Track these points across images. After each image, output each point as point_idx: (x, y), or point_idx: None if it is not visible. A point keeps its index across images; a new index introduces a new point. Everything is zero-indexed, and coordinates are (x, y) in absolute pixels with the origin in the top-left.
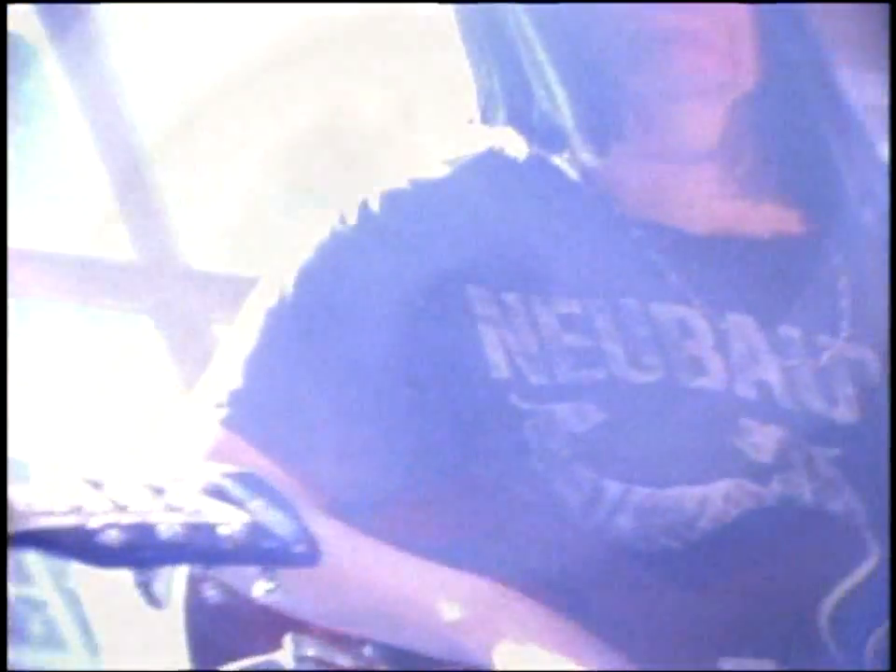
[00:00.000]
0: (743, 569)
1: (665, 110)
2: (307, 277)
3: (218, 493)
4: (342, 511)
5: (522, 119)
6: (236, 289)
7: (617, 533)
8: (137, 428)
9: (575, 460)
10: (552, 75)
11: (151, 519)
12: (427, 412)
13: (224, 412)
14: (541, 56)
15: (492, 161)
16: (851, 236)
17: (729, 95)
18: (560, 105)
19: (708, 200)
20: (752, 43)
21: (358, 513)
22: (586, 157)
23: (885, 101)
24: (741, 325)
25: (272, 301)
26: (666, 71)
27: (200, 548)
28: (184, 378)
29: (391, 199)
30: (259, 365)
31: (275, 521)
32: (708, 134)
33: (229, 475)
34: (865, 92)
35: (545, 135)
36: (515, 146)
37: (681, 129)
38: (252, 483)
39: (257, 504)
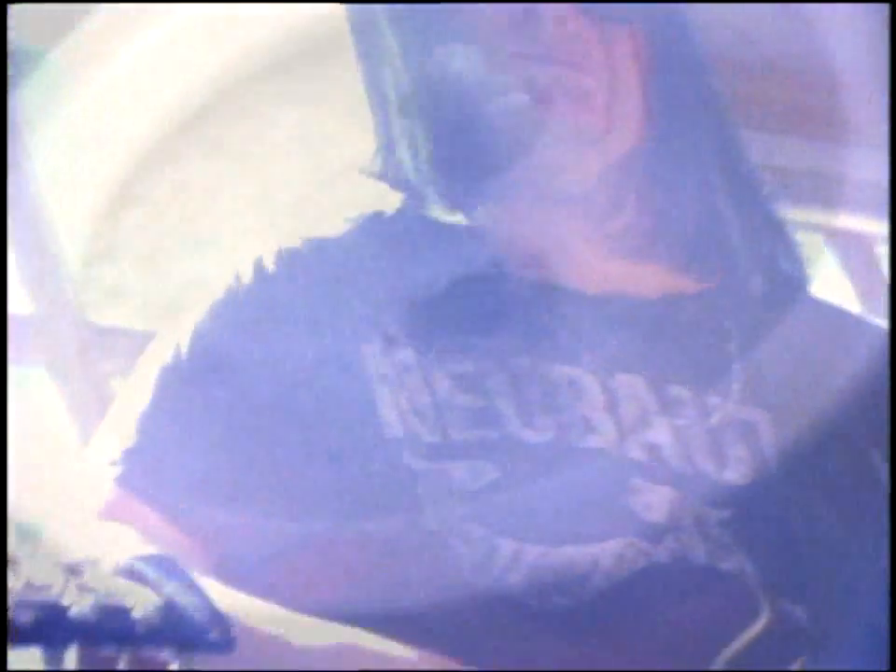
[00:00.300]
0: (635, 628)
1: (538, 164)
2: (201, 335)
3: (134, 575)
4: (233, 568)
5: (389, 174)
6: (133, 343)
7: (510, 591)
8: (32, 483)
9: (468, 518)
10: (418, 130)
11: (64, 599)
12: (321, 471)
13: (117, 469)
14: (410, 109)
15: (384, 219)
16: (742, 299)
17: (606, 151)
18: (422, 162)
19: (598, 259)
20: (639, 102)
21: (250, 571)
22: (447, 214)
23: (797, 164)
24: (631, 385)
25: (166, 358)
26: (541, 126)
27: (112, 630)
28: (80, 431)
29: (286, 257)
30: (152, 423)
31: (191, 605)
32: (584, 188)
33: (144, 558)
34: (772, 155)
35: (409, 192)
36: (405, 205)
37: (556, 180)
38: (168, 566)
39: (172, 587)
